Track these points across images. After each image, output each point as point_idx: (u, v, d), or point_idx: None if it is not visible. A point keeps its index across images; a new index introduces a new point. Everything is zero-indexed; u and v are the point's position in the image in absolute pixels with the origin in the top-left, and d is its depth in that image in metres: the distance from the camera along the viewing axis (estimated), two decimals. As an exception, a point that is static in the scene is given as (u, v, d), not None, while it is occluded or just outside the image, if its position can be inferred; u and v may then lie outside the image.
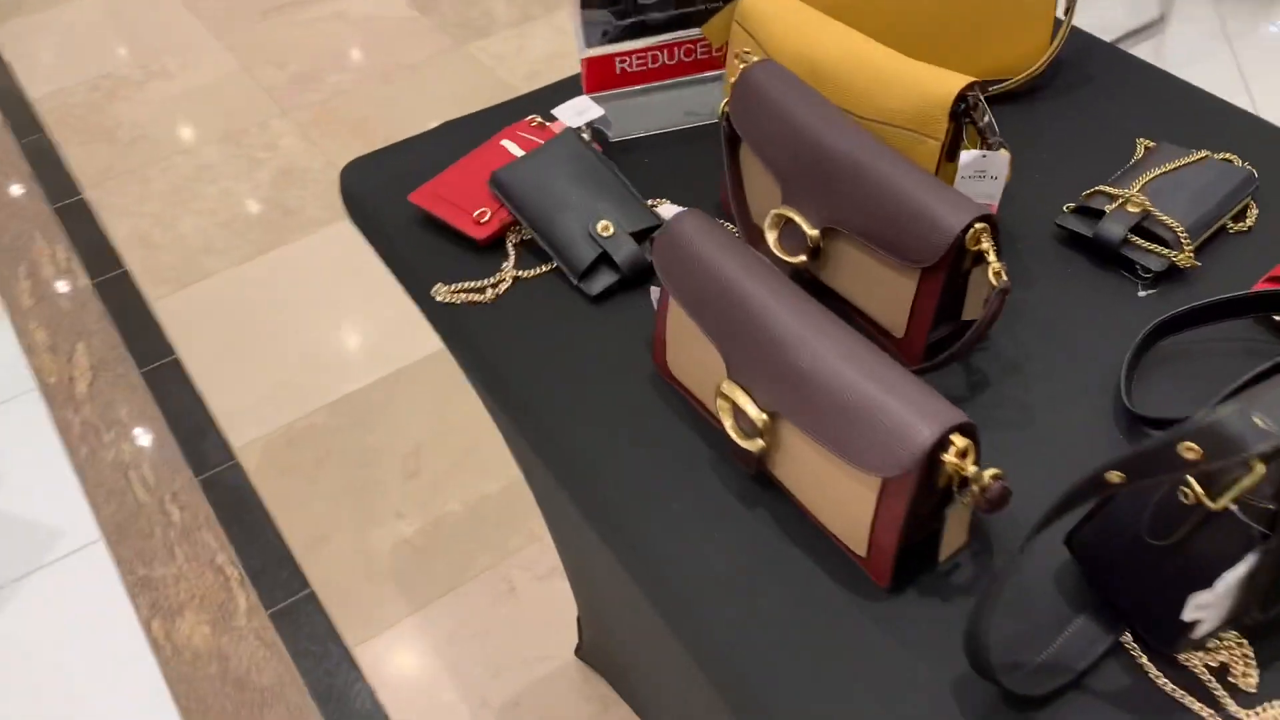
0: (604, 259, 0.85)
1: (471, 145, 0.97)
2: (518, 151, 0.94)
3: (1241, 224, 0.86)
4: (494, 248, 0.90)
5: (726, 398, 0.68)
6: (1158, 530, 0.55)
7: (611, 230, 0.85)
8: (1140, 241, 0.83)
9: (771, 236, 0.81)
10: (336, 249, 2.14)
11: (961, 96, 0.78)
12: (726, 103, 0.85)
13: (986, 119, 0.79)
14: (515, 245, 0.90)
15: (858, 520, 0.63)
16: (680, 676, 0.91)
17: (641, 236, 0.86)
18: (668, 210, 0.90)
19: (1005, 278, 0.70)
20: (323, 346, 1.93)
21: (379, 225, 0.94)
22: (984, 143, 0.80)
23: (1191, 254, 0.81)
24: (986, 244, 0.70)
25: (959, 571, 0.66)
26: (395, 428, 1.77)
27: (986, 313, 0.71)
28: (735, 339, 0.67)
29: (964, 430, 0.58)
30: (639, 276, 0.86)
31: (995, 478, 0.58)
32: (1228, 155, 0.91)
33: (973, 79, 0.78)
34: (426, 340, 1.91)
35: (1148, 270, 0.82)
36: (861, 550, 0.64)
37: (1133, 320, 0.80)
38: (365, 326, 1.96)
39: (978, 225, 0.70)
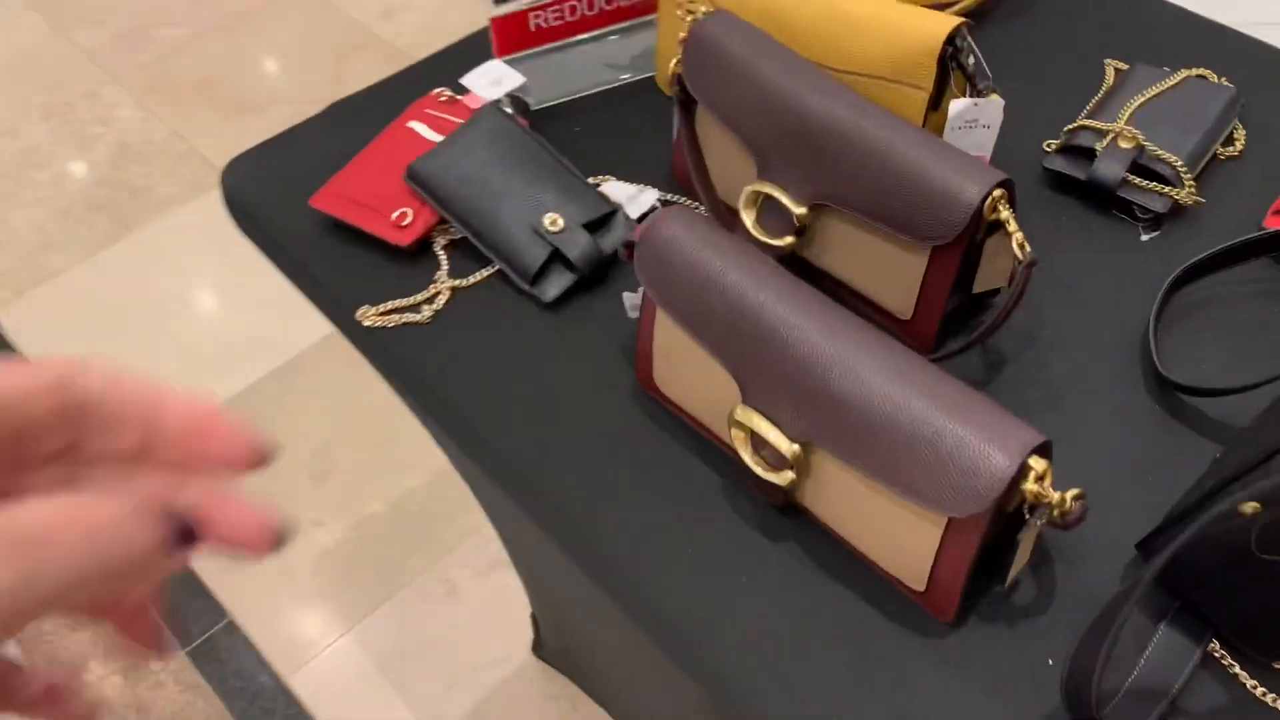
0: (555, 257, 0.74)
1: (373, 130, 0.83)
2: (432, 135, 0.81)
3: (1231, 148, 0.81)
4: (421, 254, 0.77)
5: (743, 426, 0.59)
6: (1271, 545, 0.48)
7: (561, 224, 0.74)
8: (1138, 181, 0.76)
9: (749, 217, 0.71)
10: (198, 228, 1.93)
11: (949, 39, 0.69)
12: (677, 62, 0.74)
13: (974, 61, 0.70)
14: (446, 249, 0.77)
15: (916, 556, 0.55)
16: (674, 689, 0.83)
17: (594, 227, 0.75)
18: (615, 190, 0.79)
19: (1029, 249, 0.62)
20: (200, 342, 1.75)
21: (279, 239, 0.79)
22: (973, 88, 0.71)
23: (1194, 189, 0.75)
24: (1005, 213, 0.62)
25: (1022, 591, 0.59)
26: (296, 426, 1.62)
27: (1014, 291, 0.63)
28: (750, 360, 0.57)
29: (1042, 451, 0.51)
30: (597, 274, 0.75)
31: (1077, 499, 0.51)
32: (1202, 72, 0.84)
33: (961, 19, 0.69)
34: (317, 323, 1.75)
35: (1148, 211, 0.76)
36: (919, 586, 0.56)
37: (1141, 268, 0.74)
38: (245, 314, 1.79)
39: (995, 193, 0.62)
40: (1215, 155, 0.80)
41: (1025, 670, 0.56)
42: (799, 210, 0.68)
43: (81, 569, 0.18)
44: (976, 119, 0.72)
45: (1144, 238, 0.76)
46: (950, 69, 0.71)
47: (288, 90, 2.21)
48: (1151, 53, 0.88)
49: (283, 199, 0.81)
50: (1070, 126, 0.80)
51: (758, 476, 0.59)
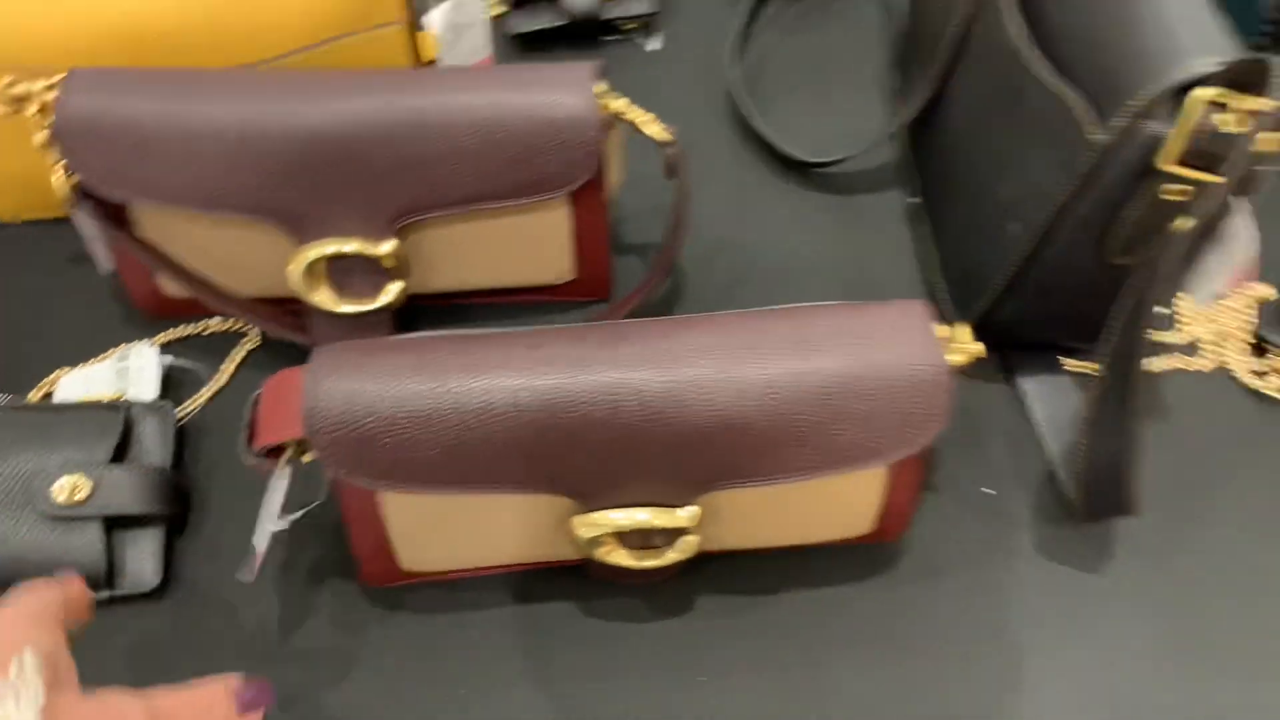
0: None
1: None
2: None
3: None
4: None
5: (600, 533, 0.43)
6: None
7: (85, 486, 0.46)
8: (609, -5, 0.66)
9: (322, 295, 0.50)
10: None
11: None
12: (62, 168, 0.47)
13: (417, -41, 0.54)
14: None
15: (861, 508, 0.46)
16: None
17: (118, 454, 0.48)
18: (78, 385, 0.52)
19: (665, 126, 0.51)
20: None
21: None
22: (434, -12, 0.55)
23: (657, -26, 0.68)
24: (623, 105, 0.49)
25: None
26: None
27: (683, 183, 0.52)
28: (569, 463, 0.40)
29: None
30: (179, 510, 0.49)
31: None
32: None
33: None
34: None
35: (635, 17, 0.67)
36: (864, 529, 0.47)
37: (657, 74, 0.66)
38: None
39: (598, 90, 0.49)
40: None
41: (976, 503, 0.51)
42: (386, 248, 0.49)
43: None
44: (461, 20, 0.56)
45: (648, 48, 0.68)
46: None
47: None
48: None
49: None
50: (496, -22, 0.67)
51: (636, 569, 0.44)
